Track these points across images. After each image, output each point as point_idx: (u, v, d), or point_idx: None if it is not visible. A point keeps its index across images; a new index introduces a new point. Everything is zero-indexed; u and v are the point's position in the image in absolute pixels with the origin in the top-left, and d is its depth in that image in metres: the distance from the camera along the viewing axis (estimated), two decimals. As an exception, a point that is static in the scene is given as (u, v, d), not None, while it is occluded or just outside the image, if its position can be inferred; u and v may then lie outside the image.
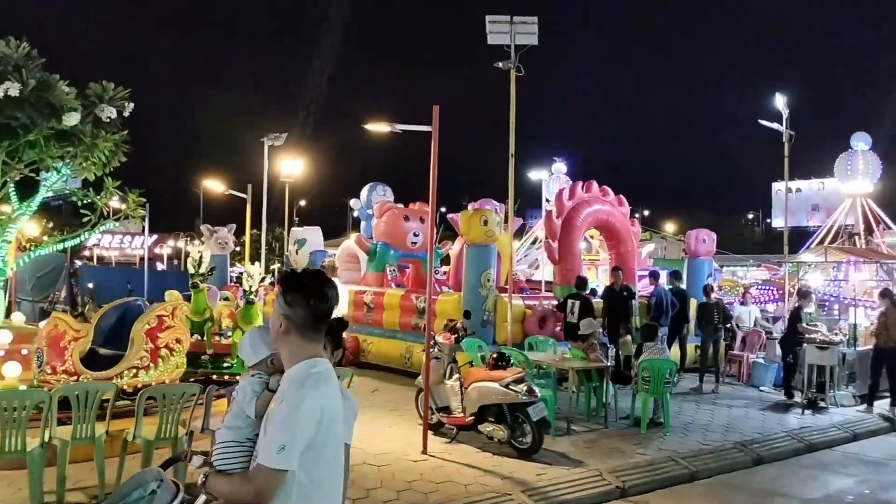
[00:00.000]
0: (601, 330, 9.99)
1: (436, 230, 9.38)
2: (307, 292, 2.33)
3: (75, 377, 7.03)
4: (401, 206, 16.21)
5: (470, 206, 13.08)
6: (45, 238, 20.61)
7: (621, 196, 14.09)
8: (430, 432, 7.48)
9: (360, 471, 6.61)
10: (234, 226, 19.78)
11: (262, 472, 2.19)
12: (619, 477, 6.85)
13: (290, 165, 22.44)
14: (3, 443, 5.10)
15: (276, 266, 33.48)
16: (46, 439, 5.40)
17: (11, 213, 8.73)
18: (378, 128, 8.99)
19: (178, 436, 5.78)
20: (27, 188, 8.91)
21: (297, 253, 17.83)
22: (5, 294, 9.14)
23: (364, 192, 18.43)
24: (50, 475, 5.43)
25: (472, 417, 7.56)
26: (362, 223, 18.56)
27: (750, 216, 65.10)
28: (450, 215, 15.27)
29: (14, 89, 6.96)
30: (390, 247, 15.17)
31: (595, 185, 13.63)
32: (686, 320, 12.27)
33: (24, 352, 8.02)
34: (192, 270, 9.11)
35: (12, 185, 8.60)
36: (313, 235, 17.91)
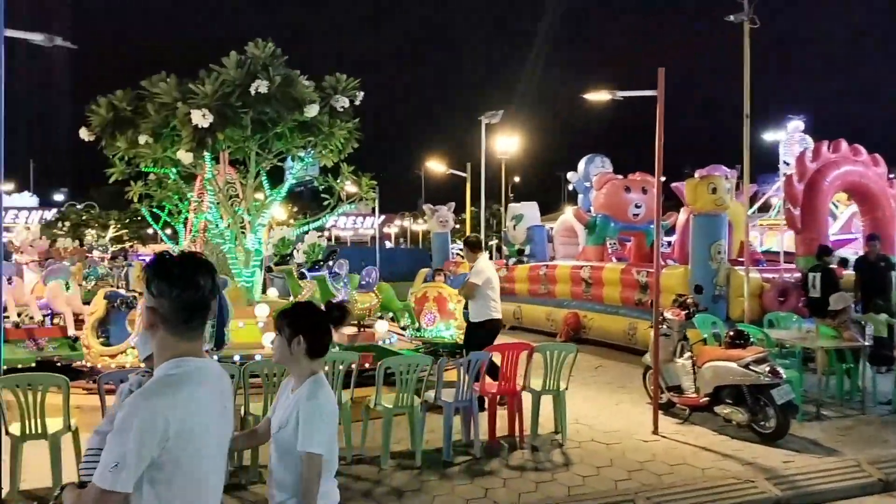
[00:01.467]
0: (853, 305, 8.90)
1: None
2: (173, 281, 1.94)
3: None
4: (620, 176, 15.69)
5: (696, 174, 12.26)
6: (292, 221, 22.87)
7: (876, 155, 12.41)
8: (660, 412, 7.17)
9: (589, 448, 6.52)
10: (453, 204, 20.42)
11: (91, 492, 1.80)
12: (882, 469, 6.07)
13: (506, 142, 22.68)
14: (267, 406, 5.70)
15: (493, 242, 34.28)
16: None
17: (264, 199, 9.73)
18: (598, 96, 8.71)
19: (414, 405, 6.08)
20: (276, 177, 9.88)
21: (514, 228, 18.01)
22: (261, 272, 10.22)
23: (581, 164, 18.09)
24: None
25: (707, 398, 7.11)
26: (579, 196, 18.26)
27: None
28: (673, 184, 14.48)
29: (263, 87, 7.68)
30: (610, 219, 14.76)
31: (844, 143, 12.12)
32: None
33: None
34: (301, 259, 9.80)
35: (264, 174, 9.58)
36: (530, 210, 17.96)
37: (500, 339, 7.71)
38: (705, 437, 6.89)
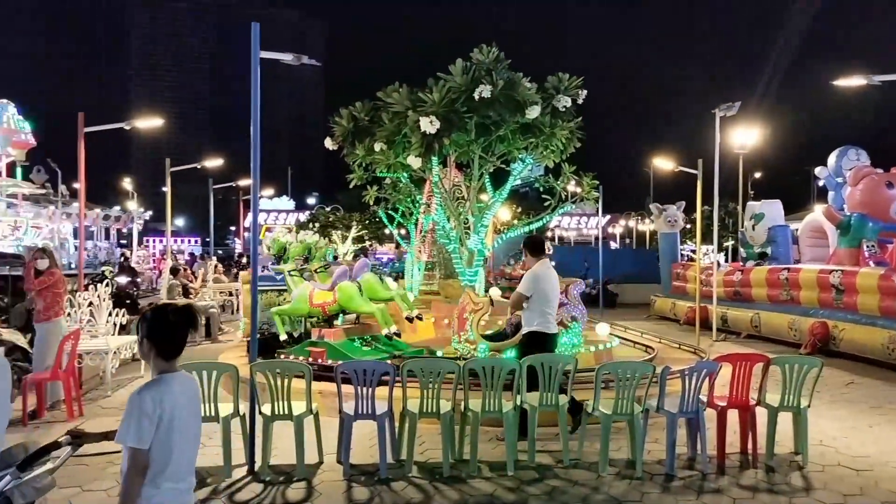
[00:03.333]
0: None
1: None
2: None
3: (474, 346, 7.81)
4: (880, 170, 13.85)
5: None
6: (515, 221, 23.22)
7: None
8: (928, 441, 6.20)
9: (834, 473, 5.83)
10: (683, 203, 19.38)
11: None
12: None
13: (744, 135, 21.07)
14: (485, 403, 5.82)
15: (729, 243, 31.98)
16: (518, 403, 5.99)
17: (487, 200, 9.97)
18: (851, 82, 7.75)
19: (634, 412, 5.85)
20: (499, 178, 10.07)
21: (753, 229, 16.66)
22: (484, 271, 10.48)
23: (832, 157, 16.26)
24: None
25: None
26: (830, 193, 16.42)
27: None
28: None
29: (486, 91, 7.86)
30: (868, 219, 13.08)
31: None
32: None
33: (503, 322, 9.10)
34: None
35: (487, 176, 9.81)
36: (772, 209, 16.48)
37: (732, 349, 7.16)
38: None
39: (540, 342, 6.62)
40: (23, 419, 7.51)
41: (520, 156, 9.31)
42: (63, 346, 7.99)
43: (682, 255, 19.26)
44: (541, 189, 9.81)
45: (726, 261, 29.52)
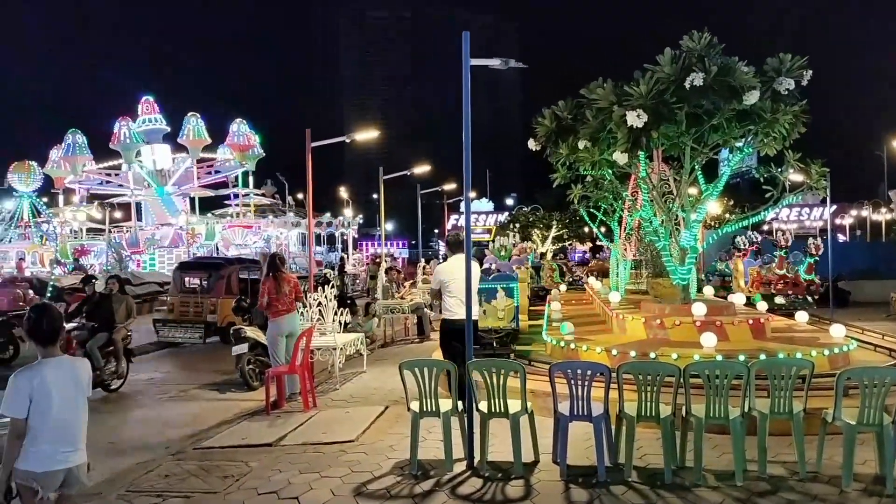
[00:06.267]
0: None
1: None
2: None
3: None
4: None
5: None
6: (728, 216, 21.82)
7: None
8: None
9: None
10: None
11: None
12: None
13: None
14: (709, 409, 5.53)
15: None
16: (746, 409, 5.61)
17: (698, 194, 9.47)
18: None
19: (883, 422, 5.25)
20: (709, 170, 9.53)
21: None
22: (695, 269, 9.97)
23: None
24: (751, 444, 5.64)
25: None
26: None
27: None
28: None
29: (699, 79, 7.46)
30: None
31: None
32: None
33: (718, 323, 8.61)
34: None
35: (699, 169, 9.32)
36: None
37: None
38: None
39: (447, 327, 7.38)
40: (266, 408, 8.38)
41: (737, 145, 8.75)
42: (299, 343, 8.80)
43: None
44: (761, 179, 9.12)
45: None
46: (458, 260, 7.11)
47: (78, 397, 3.81)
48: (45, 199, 44.50)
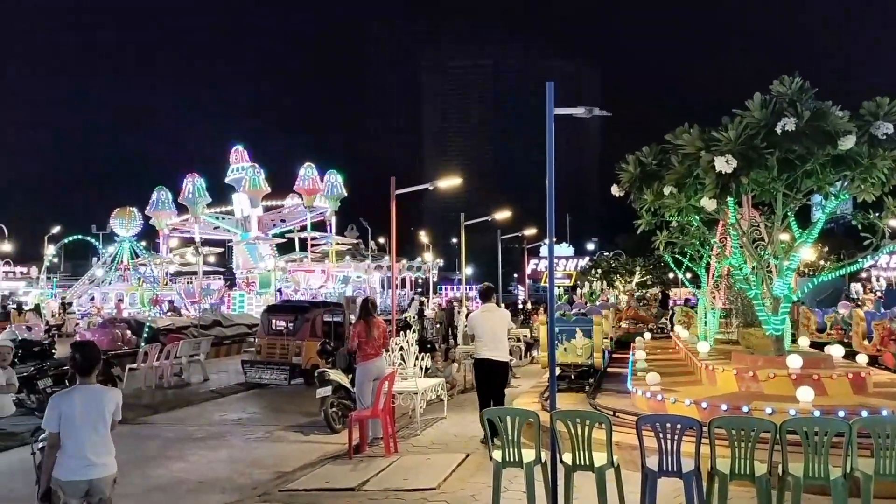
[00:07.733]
0: None
1: None
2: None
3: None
4: None
5: None
6: (823, 263, 20.89)
7: None
8: None
9: None
10: None
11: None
12: None
13: None
14: (808, 468, 5.24)
15: None
16: (848, 470, 5.30)
17: (791, 241, 9.13)
18: None
19: None
20: (802, 216, 9.19)
21: None
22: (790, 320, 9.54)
23: None
24: (854, 507, 5.30)
25: None
26: None
27: None
28: None
29: (790, 124, 7.27)
30: None
31: None
32: None
33: (815, 376, 8.20)
34: None
35: (792, 215, 9.01)
36: None
37: None
38: None
39: (476, 364, 9.21)
40: (349, 452, 8.47)
41: (831, 190, 8.43)
42: (381, 387, 8.89)
43: None
44: (859, 226, 8.73)
45: None
46: (486, 309, 9.36)
47: (98, 420, 4.49)
48: (143, 243, 47.20)
